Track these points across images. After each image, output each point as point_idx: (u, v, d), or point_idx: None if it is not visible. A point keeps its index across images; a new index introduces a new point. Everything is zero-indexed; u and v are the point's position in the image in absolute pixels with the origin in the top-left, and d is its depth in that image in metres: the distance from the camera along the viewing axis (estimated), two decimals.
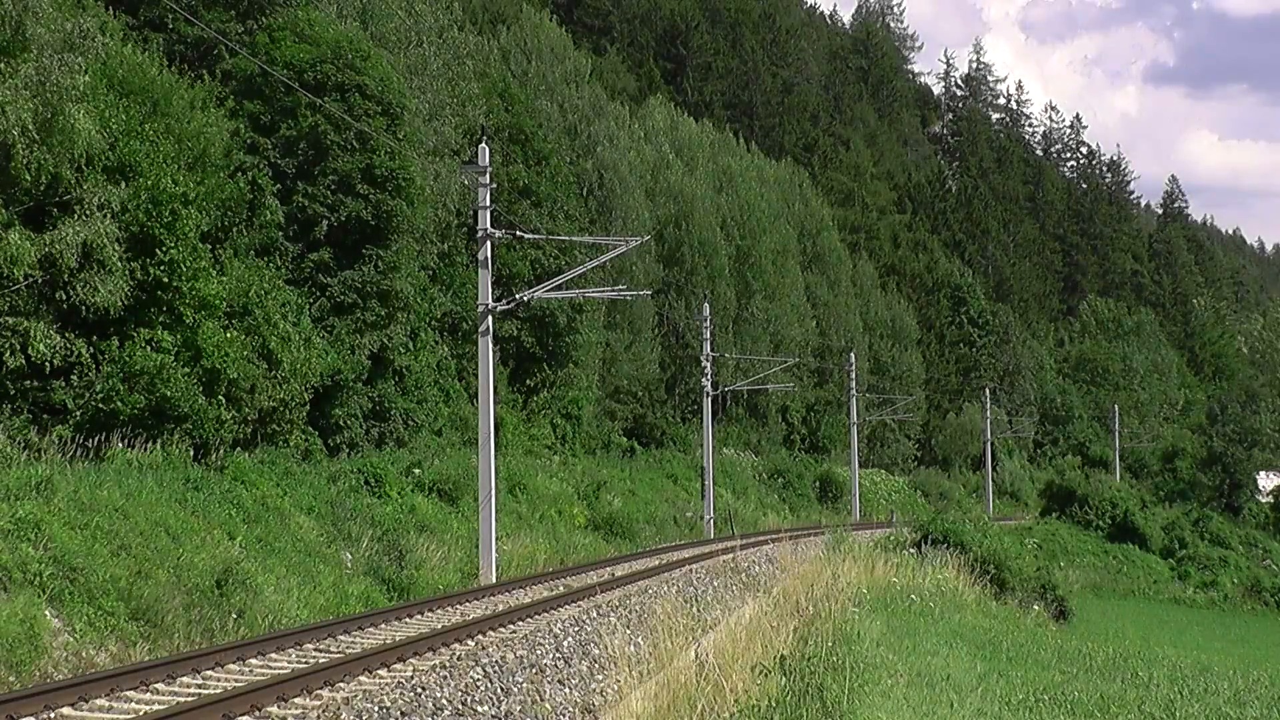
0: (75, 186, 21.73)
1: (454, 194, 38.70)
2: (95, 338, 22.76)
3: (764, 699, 11.14)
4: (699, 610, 20.16)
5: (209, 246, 25.62)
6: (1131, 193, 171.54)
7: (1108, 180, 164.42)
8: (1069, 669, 15.49)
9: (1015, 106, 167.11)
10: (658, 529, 44.19)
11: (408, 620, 19.43)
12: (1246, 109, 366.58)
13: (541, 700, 14.42)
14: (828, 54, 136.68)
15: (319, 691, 13.53)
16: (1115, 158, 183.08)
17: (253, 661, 15.35)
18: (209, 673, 14.53)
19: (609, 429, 53.81)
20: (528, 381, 46.19)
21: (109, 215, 22.12)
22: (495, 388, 30.67)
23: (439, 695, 13.33)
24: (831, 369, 76.97)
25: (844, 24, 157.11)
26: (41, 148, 20.62)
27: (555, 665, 15.95)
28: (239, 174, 28.70)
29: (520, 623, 18.85)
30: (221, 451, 24.21)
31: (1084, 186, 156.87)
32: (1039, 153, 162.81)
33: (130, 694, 13.26)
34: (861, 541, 32.83)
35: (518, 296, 31.98)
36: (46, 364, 21.80)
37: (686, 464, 56.61)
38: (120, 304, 22.43)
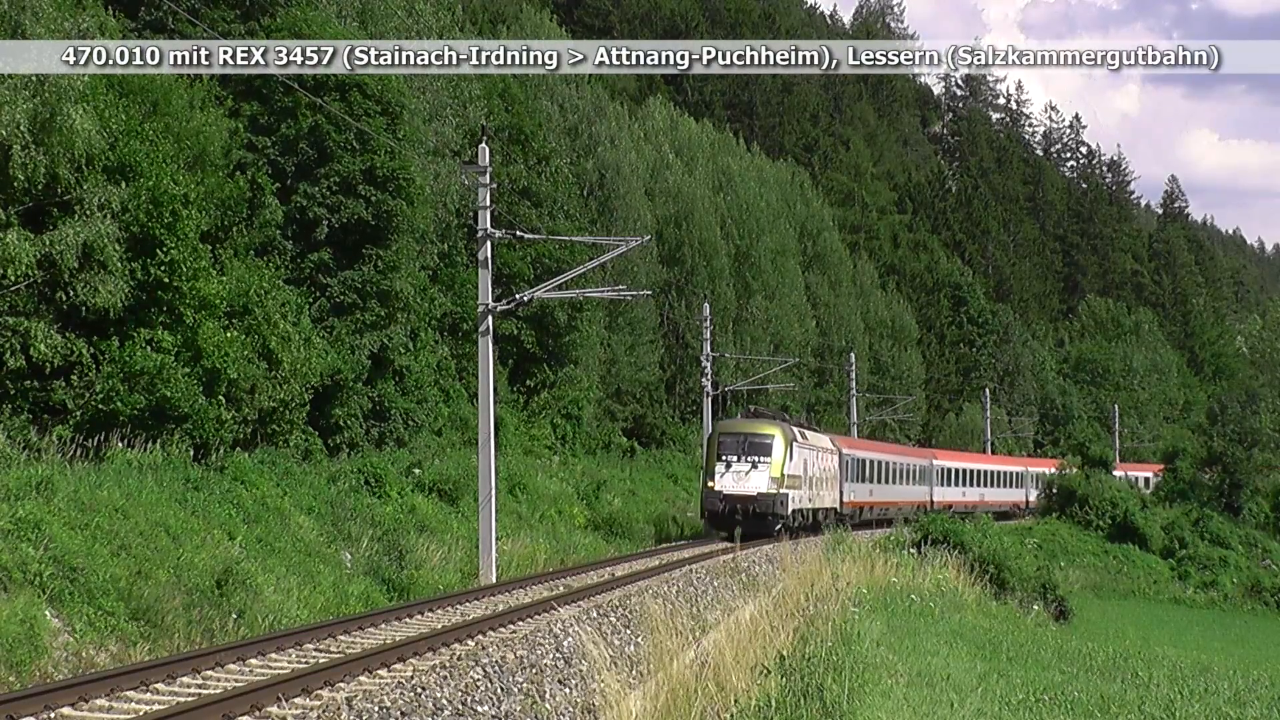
0: (75, 187, 21.72)
1: (454, 194, 38.69)
2: (95, 338, 22.74)
3: (764, 699, 11.14)
4: (699, 610, 20.15)
5: (209, 246, 25.62)
6: (1131, 193, 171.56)
7: (1108, 180, 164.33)
8: (1069, 669, 15.51)
9: (1015, 106, 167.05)
10: (658, 529, 44.18)
11: (408, 620, 19.41)
12: (1246, 109, 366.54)
13: (541, 700, 14.41)
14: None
15: (319, 691, 13.52)
16: (1115, 158, 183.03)
17: (253, 661, 15.34)
18: (209, 673, 14.52)
19: (609, 429, 53.76)
20: (528, 381, 46.17)
21: (109, 215, 22.12)
22: (495, 388, 30.65)
23: (439, 695, 13.32)
24: (831, 369, 76.91)
25: (844, 24, 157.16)
26: (39, 148, 20.61)
27: (555, 665, 15.94)
28: (238, 173, 28.69)
29: (520, 623, 18.82)
30: (221, 451, 24.20)
31: (1084, 186, 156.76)
32: (1039, 153, 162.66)
33: (130, 694, 13.25)
34: (861, 541, 32.87)
35: (518, 296, 31.97)
36: (46, 364, 21.80)
37: (686, 464, 56.57)
38: (120, 304, 22.43)
